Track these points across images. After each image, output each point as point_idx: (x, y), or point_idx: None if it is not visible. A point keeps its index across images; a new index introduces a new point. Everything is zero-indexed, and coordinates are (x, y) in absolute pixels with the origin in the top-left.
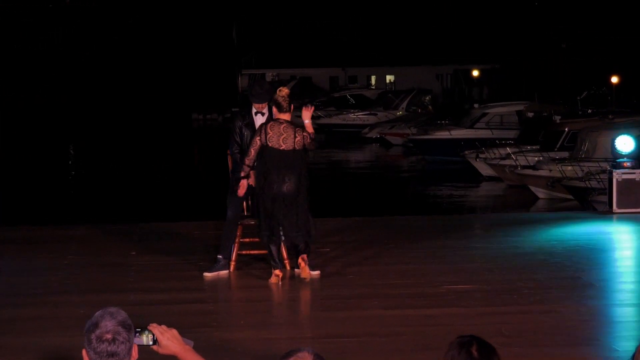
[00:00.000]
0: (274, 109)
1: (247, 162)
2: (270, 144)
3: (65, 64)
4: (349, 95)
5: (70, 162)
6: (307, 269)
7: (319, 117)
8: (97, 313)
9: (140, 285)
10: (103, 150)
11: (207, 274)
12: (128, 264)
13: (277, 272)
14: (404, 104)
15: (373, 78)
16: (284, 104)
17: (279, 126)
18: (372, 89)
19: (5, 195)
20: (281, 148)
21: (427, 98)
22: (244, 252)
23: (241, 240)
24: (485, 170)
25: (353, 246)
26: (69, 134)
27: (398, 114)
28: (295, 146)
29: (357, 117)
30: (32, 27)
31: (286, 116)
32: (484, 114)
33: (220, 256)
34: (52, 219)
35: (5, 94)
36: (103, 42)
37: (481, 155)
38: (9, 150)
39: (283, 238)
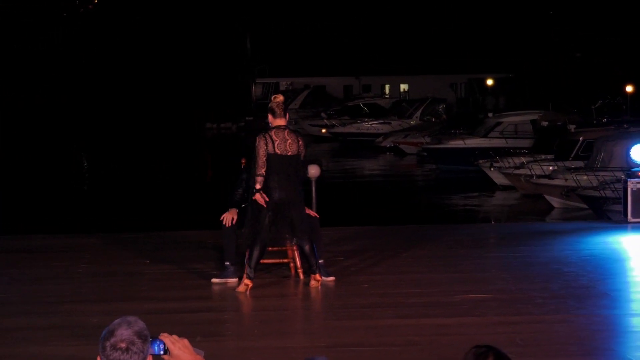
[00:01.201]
0: (269, 116)
1: (260, 172)
2: (278, 151)
3: (65, 64)
4: (363, 104)
5: (79, 168)
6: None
7: (332, 126)
8: (115, 321)
9: (153, 294)
10: (114, 158)
11: (215, 280)
12: (142, 272)
13: (247, 281)
14: (418, 113)
15: (387, 87)
16: (278, 110)
17: (282, 132)
18: (386, 97)
19: (8, 200)
20: (288, 154)
21: (441, 107)
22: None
23: None
24: (499, 179)
25: (367, 255)
26: (73, 137)
27: (412, 122)
28: (300, 150)
29: (371, 126)
30: (32, 27)
31: (282, 122)
32: (498, 123)
33: (227, 263)
34: (62, 226)
35: (5, 94)
36: (113, 50)
37: (495, 165)
38: (9, 151)
39: (294, 241)
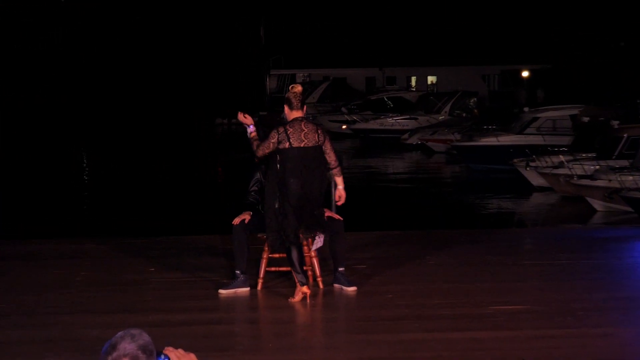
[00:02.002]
0: (286, 108)
1: (258, 154)
2: (295, 144)
3: (65, 64)
4: (387, 97)
5: (79, 168)
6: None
7: (354, 121)
8: (118, 333)
9: (159, 305)
10: (116, 158)
11: (222, 291)
12: (146, 281)
13: (304, 289)
14: (447, 108)
15: (413, 79)
16: (295, 102)
17: (299, 124)
18: (413, 91)
19: (6, 202)
20: (304, 145)
21: (473, 101)
22: (272, 268)
23: (270, 255)
24: (536, 180)
25: (391, 262)
26: (73, 137)
27: (440, 118)
28: (319, 141)
29: (395, 121)
30: (32, 27)
31: (299, 114)
32: (535, 119)
33: (238, 271)
34: (61, 230)
35: (5, 94)
36: (114, 40)
37: (532, 164)
38: (9, 151)
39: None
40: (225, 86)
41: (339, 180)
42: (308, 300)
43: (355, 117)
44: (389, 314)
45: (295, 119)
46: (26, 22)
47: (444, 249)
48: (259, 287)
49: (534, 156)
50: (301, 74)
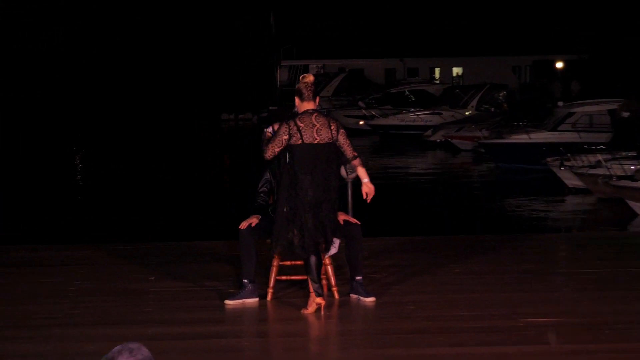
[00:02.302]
0: (296, 100)
1: (267, 153)
2: (305, 140)
3: (65, 64)
4: (409, 91)
5: (77, 169)
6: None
7: (372, 117)
8: (115, 348)
9: (159, 316)
10: (118, 157)
11: (228, 302)
12: (145, 291)
13: (319, 299)
14: (474, 102)
15: (437, 70)
16: (306, 92)
17: (309, 117)
18: (436, 83)
19: (6, 203)
20: (316, 141)
21: (502, 94)
22: (283, 277)
23: (281, 263)
24: (571, 180)
25: (413, 270)
26: (72, 136)
27: (467, 113)
28: (333, 137)
29: (418, 117)
30: (32, 27)
31: (310, 105)
32: (570, 114)
33: (246, 280)
34: (58, 236)
35: (5, 94)
36: (116, 30)
37: (567, 163)
38: (9, 152)
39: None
40: (232, 79)
41: (362, 173)
42: (322, 312)
43: (373, 112)
44: (410, 327)
45: (306, 112)
46: (26, 22)
47: (470, 256)
48: (269, 297)
49: (568, 155)
50: (314, 65)
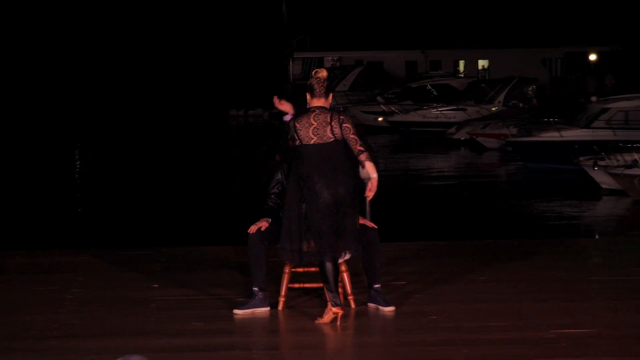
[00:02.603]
0: (307, 96)
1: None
2: (302, 142)
3: (69, 61)
4: (431, 85)
5: (78, 168)
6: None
7: (391, 113)
8: None
9: (163, 327)
10: (114, 155)
11: (237, 312)
12: (148, 299)
13: (336, 309)
14: (501, 97)
15: (461, 63)
16: (318, 88)
17: (307, 117)
18: (461, 77)
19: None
20: (312, 142)
21: (531, 89)
22: (296, 285)
23: (293, 270)
24: (605, 181)
25: (435, 278)
26: (76, 134)
27: (493, 109)
28: (335, 135)
29: (440, 113)
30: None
31: (320, 102)
32: (604, 110)
33: (256, 288)
34: (55, 240)
35: (5, 94)
36: (120, 22)
37: (600, 163)
38: (9, 152)
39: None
40: (241, 72)
41: (370, 168)
42: (338, 323)
43: (393, 108)
44: (433, 339)
45: (309, 110)
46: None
47: (497, 262)
48: (281, 306)
49: (603, 154)
50: (330, 58)
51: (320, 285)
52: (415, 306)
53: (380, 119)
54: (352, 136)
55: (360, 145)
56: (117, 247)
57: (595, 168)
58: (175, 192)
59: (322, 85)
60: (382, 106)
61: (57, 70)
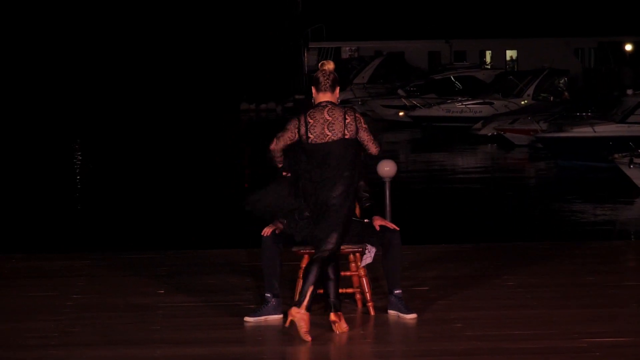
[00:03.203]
0: (313, 90)
1: (271, 146)
2: (312, 137)
3: (77, 55)
4: (455, 77)
5: (78, 167)
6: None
7: (413, 107)
8: None
9: (169, 336)
10: (119, 152)
11: (248, 319)
12: (153, 306)
13: (332, 315)
14: (531, 90)
15: (488, 54)
16: (324, 81)
17: (321, 111)
18: (487, 69)
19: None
20: (326, 140)
21: (563, 81)
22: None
23: None
24: None
25: (460, 283)
26: (75, 132)
27: (522, 103)
28: (346, 133)
29: (466, 107)
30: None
31: (327, 97)
32: None
33: (268, 294)
34: (54, 243)
35: (5, 94)
36: (129, 15)
37: (636, 160)
38: (8, 152)
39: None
40: (252, 64)
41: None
42: (337, 332)
43: (415, 102)
44: (458, 348)
45: (319, 105)
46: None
47: (526, 266)
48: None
49: (639, 150)
50: (347, 48)
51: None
52: (438, 313)
53: (401, 113)
54: (369, 136)
55: (376, 145)
56: (120, 250)
57: (631, 166)
58: (183, 191)
59: (328, 78)
60: (404, 100)
61: (62, 65)
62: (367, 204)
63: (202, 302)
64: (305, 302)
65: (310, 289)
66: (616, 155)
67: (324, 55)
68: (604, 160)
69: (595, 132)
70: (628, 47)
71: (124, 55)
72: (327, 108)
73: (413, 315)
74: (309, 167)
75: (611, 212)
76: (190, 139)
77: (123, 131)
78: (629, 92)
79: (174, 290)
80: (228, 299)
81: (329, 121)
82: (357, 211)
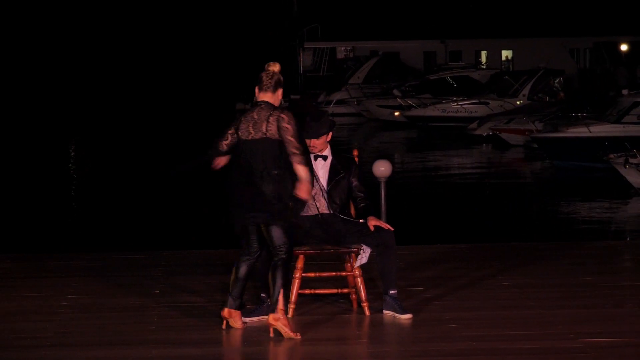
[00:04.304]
0: (256, 89)
1: (215, 145)
2: (239, 134)
3: (74, 56)
4: (451, 77)
5: (73, 167)
6: (285, 327)
7: (409, 107)
8: None
9: (164, 336)
10: (114, 151)
11: (244, 319)
12: (148, 306)
13: (225, 311)
14: (526, 90)
15: (483, 54)
16: (266, 81)
17: (253, 110)
18: (482, 69)
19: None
20: (249, 138)
21: (558, 81)
22: (306, 291)
23: (304, 274)
24: (637, 180)
25: (455, 283)
26: (70, 130)
27: (518, 103)
28: (267, 133)
29: (461, 107)
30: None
31: (267, 97)
32: (636, 104)
33: (264, 294)
34: (48, 243)
35: (5, 94)
36: (124, 16)
37: (632, 161)
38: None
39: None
40: (247, 64)
41: (301, 171)
42: (224, 326)
43: (410, 102)
44: (453, 348)
45: (256, 104)
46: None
47: (521, 266)
48: (290, 314)
49: (634, 151)
50: (343, 48)
51: (333, 291)
52: (433, 313)
53: (396, 113)
54: (289, 138)
55: (297, 148)
56: (115, 251)
57: (627, 166)
58: (179, 191)
59: (271, 79)
60: (399, 100)
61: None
62: (362, 204)
63: (197, 302)
64: (279, 306)
65: (281, 292)
66: (611, 156)
67: (319, 55)
68: (599, 161)
69: (590, 132)
70: (623, 48)
71: (121, 55)
72: (259, 107)
73: (408, 316)
74: (242, 162)
75: (606, 212)
76: (186, 138)
77: (119, 130)
78: (625, 92)
79: (168, 291)
80: (223, 299)
81: (254, 120)
82: (352, 211)
